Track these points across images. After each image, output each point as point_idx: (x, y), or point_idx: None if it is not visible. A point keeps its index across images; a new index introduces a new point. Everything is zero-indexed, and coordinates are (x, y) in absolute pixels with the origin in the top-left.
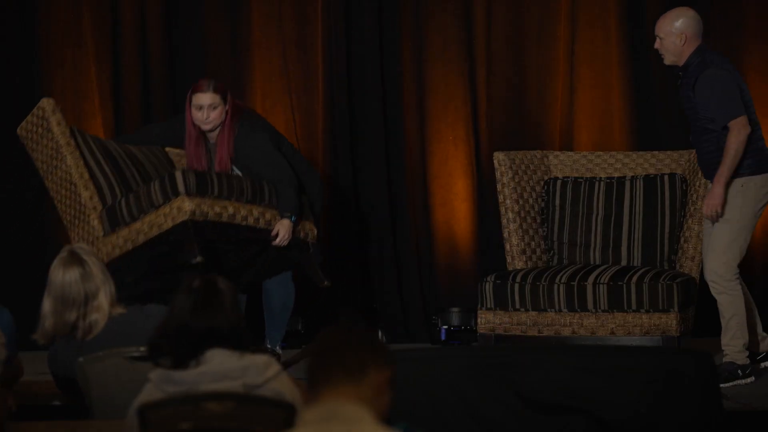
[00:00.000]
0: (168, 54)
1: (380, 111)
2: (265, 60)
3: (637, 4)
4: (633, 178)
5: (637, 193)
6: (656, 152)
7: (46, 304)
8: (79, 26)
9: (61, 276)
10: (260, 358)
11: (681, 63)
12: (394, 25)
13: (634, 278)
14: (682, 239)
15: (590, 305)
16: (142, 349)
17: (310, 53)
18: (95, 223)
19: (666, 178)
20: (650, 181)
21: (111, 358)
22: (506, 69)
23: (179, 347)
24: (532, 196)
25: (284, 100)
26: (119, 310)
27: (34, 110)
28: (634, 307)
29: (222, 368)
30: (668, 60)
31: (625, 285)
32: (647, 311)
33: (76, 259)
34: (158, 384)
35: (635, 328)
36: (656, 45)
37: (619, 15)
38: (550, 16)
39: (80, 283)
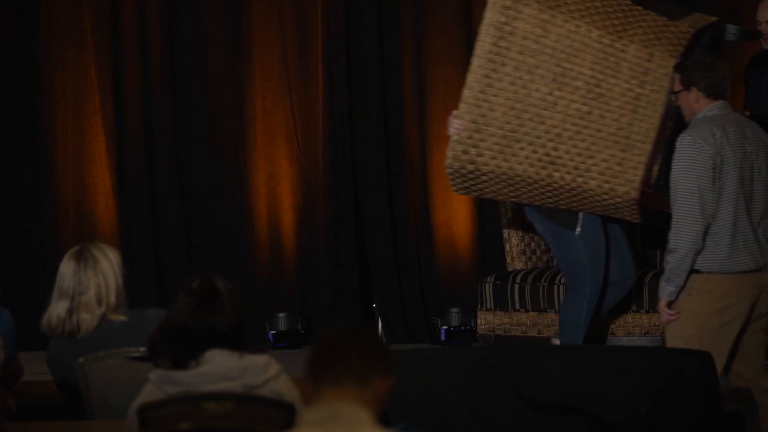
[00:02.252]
0: (168, 54)
1: (380, 111)
2: (265, 60)
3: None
4: None
5: None
6: None
7: (53, 292)
8: (79, 26)
9: (61, 267)
10: (260, 359)
11: None
12: (394, 25)
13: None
14: None
15: None
16: (141, 349)
17: (310, 53)
18: None
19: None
20: None
21: (111, 358)
22: None
23: (179, 348)
24: None
25: (284, 100)
26: (119, 317)
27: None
28: (634, 307)
29: (222, 369)
30: None
31: None
32: (647, 311)
33: (78, 254)
34: (158, 384)
35: (635, 328)
36: (764, 29)
37: None
38: None
39: (71, 277)
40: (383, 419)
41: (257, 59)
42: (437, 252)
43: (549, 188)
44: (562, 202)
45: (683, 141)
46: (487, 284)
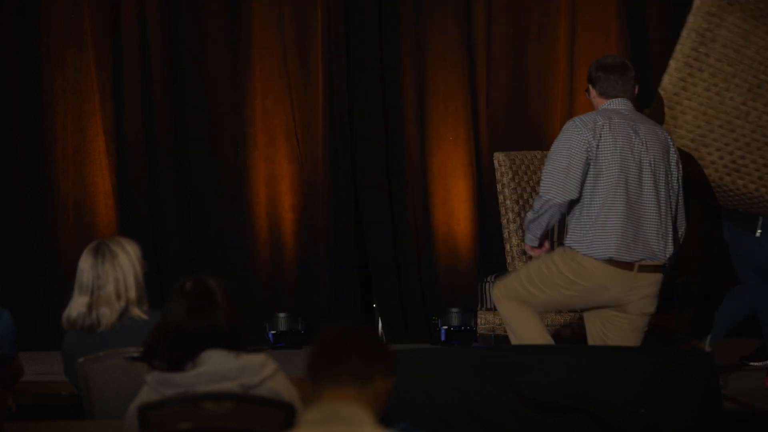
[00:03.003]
0: (168, 54)
1: (380, 111)
2: (265, 60)
3: (637, 4)
4: None
5: None
6: None
7: (74, 288)
8: (79, 26)
9: (80, 263)
10: (256, 358)
11: None
12: (394, 25)
13: None
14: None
15: None
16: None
17: (310, 53)
18: None
19: None
20: None
21: (111, 358)
22: (506, 69)
23: (176, 349)
24: (532, 197)
25: (284, 100)
26: (141, 315)
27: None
28: None
29: (220, 369)
30: None
31: None
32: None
33: (96, 249)
34: (155, 386)
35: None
36: None
37: (619, 15)
38: (550, 16)
39: (90, 271)
40: (383, 419)
41: (257, 59)
42: (437, 252)
43: (731, 193)
44: (741, 206)
45: (566, 124)
46: (487, 284)
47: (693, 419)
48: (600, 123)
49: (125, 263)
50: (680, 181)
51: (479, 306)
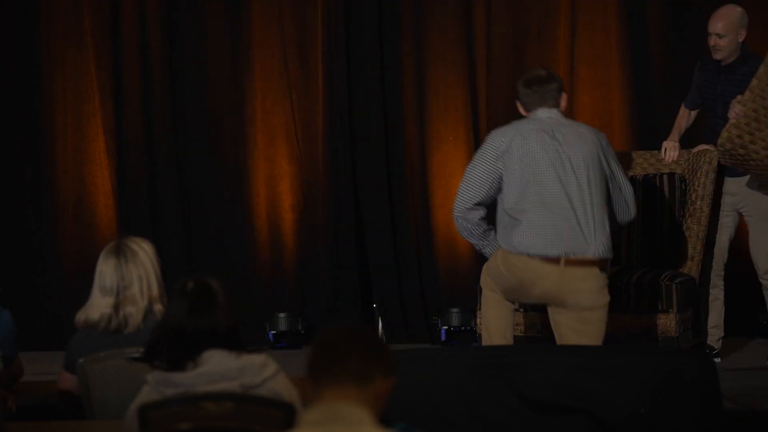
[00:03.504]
0: (168, 54)
1: (380, 111)
2: (265, 60)
3: (637, 4)
4: (632, 178)
5: (637, 192)
6: (656, 152)
7: (94, 290)
8: (79, 26)
9: (100, 265)
10: (256, 358)
11: (732, 59)
12: (394, 26)
13: (634, 278)
14: (682, 239)
15: None
16: (142, 350)
17: (310, 53)
18: None
19: (665, 177)
20: (650, 181)
21: (111, 358)
22: (506, 69)
23: (176, 349)
24: None
25: (284, 100)
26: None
27: None
28: (633, 307)
29: (220, 369)
30: (722, 56)
31: (624, 285)
32: (646, 312)
33: (116, 250)
34: (155, 386)
35: (634, 328)
36: (713, 42)
37: (619, 15)
38: (550, 16)
39: (113, 273)
40: (383, 419)
41: (257, 59)
42: (437, 252)
43: None
44: None
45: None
46: None
47: (693, 419)
48: (513, 132)
49: (146, 261)
50: (614, 178)
51: (479, 306)
